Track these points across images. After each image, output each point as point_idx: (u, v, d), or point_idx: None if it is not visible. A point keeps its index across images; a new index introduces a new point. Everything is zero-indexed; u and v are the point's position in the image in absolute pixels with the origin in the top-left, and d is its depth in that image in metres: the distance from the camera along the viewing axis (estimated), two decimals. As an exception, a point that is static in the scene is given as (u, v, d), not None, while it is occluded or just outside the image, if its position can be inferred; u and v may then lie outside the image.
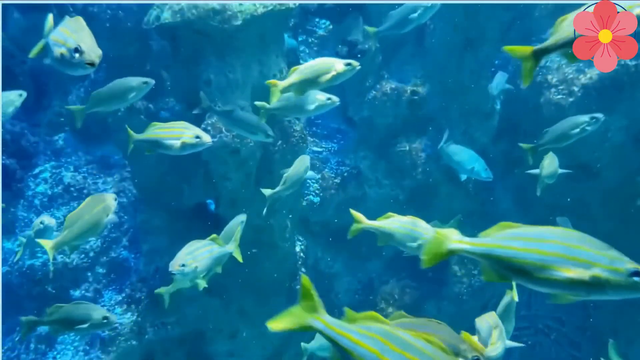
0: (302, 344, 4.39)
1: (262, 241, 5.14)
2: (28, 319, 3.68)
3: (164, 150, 3.78)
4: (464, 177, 5.41)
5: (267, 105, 3.88)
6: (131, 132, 3.88)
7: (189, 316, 5.25)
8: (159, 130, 3.79)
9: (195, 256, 3.81)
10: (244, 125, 4.18)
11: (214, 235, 3.99)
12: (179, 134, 3.73)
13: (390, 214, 3.57)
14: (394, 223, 3.52)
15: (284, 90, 3.68)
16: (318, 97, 3.83)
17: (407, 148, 5.80)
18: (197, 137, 3.72)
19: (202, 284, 3.96)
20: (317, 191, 5.88)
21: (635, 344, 5.87)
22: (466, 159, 5.20)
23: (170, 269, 3.77)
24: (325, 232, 5.98)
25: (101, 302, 5.51)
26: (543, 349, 6.11)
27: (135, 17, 5.61)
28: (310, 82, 3.61)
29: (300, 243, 5.73)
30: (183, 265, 3.73)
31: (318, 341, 4.31)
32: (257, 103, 3.97)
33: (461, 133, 5.71)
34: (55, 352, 5.41)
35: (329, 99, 3.85)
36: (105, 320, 3.65)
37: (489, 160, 5.95)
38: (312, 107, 3.84)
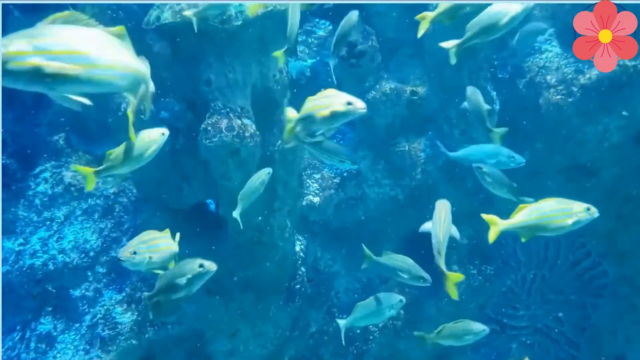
0: (337, 319, 4.43)
1: (262, 241, 5.15)
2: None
3: (317, 126, 3.32)
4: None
5: (456, 41, 3.49)
6: (290, 113, 3.45)
7: (189, 316, 5.26)
8: (309, 104, 3.31)
9: (150, 246, 3.62)
10: (334, 155, 4.04)
11: (167, 230, 3.79)
12: (328, 102, 3.24)
13: (521, 206, 3.30)
14: (533, 212, 3.23)
15: (434, 20, 3.40)
16: (508, 9, 3.24)
17: (407, 148, 5.81)
18: (349, 103, 3.19)
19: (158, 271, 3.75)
20: (316, 191, 5.89)
21: (634, 343, 5.89)
22: (485, 155, 4.82)
23: (118, 256, 3.58)
24: (324, 232, 6.00)
25: (101, 301, 5.52)
26: (542, 348, 6.13)
27: (135, 17, 5.62)
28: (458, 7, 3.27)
29: (299, 243, 5.74)
30: (134, 253, 3.52)
31: (356, 314, 4.34)
32: (444, 44, 3.57)
33: (460, 133, 5.72)
34: (55, 352, 5.41)
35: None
36: (201, 268, 3.63)
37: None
38: (507, 18, 3.26)
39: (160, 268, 3.73)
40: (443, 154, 5.35)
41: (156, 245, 3.64)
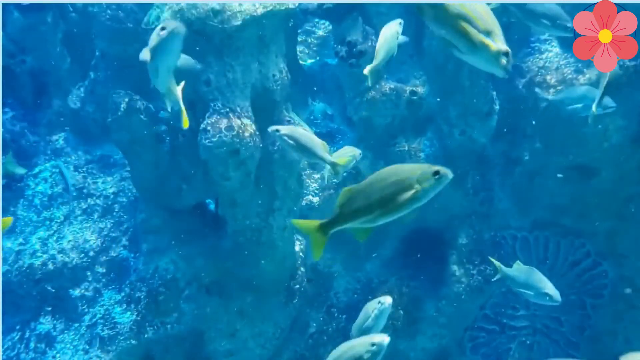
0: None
1: (261, 241, 5.15)
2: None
3: None
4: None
5: None
6: None
7: (188, 315, 5.26)
8: None
9: None
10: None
11: None
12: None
13: None
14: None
15: None
16: None
17: (406, 148, 5.81)
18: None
19: None
20: (316, 191, 5.89)
21: (634, 344, 5.87)
22: (578, 96, 4.88)
23: None
24: (324, 232, 5.98)
25: (100, 301, 5.52)
26: (541, 348, 6.12)
27: (135, 17, 5.62)
28: None
29: (299, 243, 5.74)
30: None
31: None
32: None
33: (460, 133, 5.72)
34: (54, 351, 5.41)
35: None
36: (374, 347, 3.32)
37: (488, 160, 5.96)
38: None
39: None
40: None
41: None
